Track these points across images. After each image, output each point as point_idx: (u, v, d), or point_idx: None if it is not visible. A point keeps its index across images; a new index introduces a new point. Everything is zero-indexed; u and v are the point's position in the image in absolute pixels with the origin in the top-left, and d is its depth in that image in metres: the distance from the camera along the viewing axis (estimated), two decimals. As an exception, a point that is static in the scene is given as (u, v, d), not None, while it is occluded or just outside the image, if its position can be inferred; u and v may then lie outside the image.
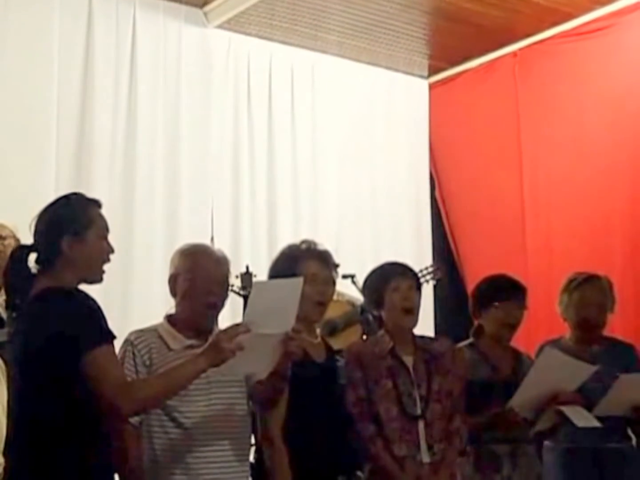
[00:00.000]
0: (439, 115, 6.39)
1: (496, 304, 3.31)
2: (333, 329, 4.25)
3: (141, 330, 2.70)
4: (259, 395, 2.68)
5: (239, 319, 2.34)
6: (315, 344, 2.93)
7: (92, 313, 2.23)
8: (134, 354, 2.60)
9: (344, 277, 3.95)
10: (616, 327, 4.62)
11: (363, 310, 3.95)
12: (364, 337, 3.88)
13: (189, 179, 5.25)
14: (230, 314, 4.12)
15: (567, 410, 3.12)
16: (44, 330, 2.19)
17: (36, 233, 2.37)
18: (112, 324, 2.27)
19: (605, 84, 5.34)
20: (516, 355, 3.39)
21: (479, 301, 3.40)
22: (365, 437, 2.92)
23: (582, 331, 3.65)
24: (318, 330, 3.08)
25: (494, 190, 5.96)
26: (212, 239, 4.94)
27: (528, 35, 5.69)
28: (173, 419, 2.57)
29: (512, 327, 3.34)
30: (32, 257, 2.36)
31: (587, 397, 3.20)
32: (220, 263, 2.74)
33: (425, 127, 6.41)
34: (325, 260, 2.93)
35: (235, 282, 4.14)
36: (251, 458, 2.84)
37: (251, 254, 5.25)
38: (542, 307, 3.78)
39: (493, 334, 3.34)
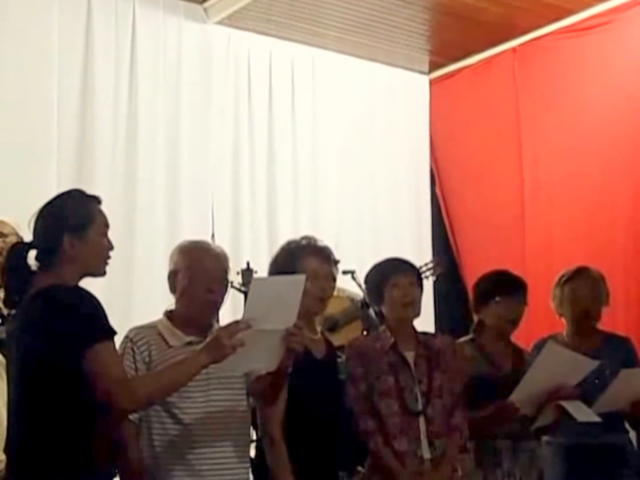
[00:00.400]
0: (439, 111, 6.39)
1: (497, 299, 3.31)
2: (334, 325, 4.25)
3: (141, 327, 2.71)
4: (258, 391, 2.68)
5: (240, 316, 2.34)
6: (316, 339, 2.94)
7: (93, 309, 2.23)
8: (133, 350, 2.60)
9: (344, 273, 3.95)
10: (619, 324, 4.63)
11: (363, 306, 3.95)
12: (365, 333, 3.89)
13: (189, 176, 5.24)
14: (231, 311, 4.13)
15: (568, 405, 3.12)
16: (45, 327, 2.19)
17: (36, 230, 2.36)
18: (114, 320, 2.27)
19: (604, 80, 5.33)
20: (517, 351, 3.39)
21: (480, 296, 3.40)
22: (366, 432, 2.92)
23: (577, 324, 3.65)
24: (318, 327, 3.08)
25: (494, 186, 5.96)
26: (212, 235, 4.94)
27: (528, 31, 5.68)
28: (172, 416, 2.57)
29: (513, 322, 3.34)
30: (32, 254, 2.35)
31: (585, 391, 3.20)
32: (219, 260, 2.74)
33: (426, 123, 6.41)
34: (325, 256, 2.93)
35: (236, 278, 4.14)
36: (252, 454, 2.84)
37: (251, 250, 5.25)
38: (541, 303, 3.78)
39: (494, 329, 3.34)
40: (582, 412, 3.13)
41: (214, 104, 5.40)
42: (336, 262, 2.98)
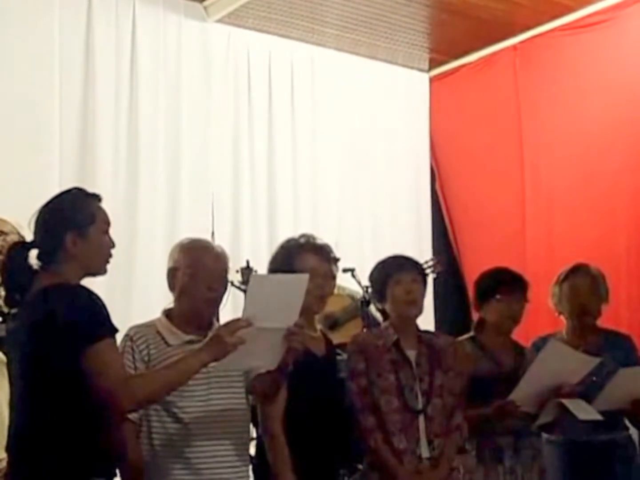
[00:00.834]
0: (439, 109, 6.38)
1: (497, 296, 3.32)
2: (334, 323, 4.25)
3: (140, 326, 2.70)
4: (258, 389, 2.68)
5: (240, 314, 2.34)
6: (315, 337, 2.94)
7: (95, 308, 2.22)
8: (132, 349, 2.60)
9: (344, 270, 3.95)
10: (622, 322, 4.63)
11: (363, 304, 3.95)
12: (365, 331, 3.88)
13: (189, 174, 5.25)
14: (231, 310, 4.12)
15: (569, 403, 3.12)
16: (47, 326, 2.18)
17: (37, 229, 2.36)
18: (114, 318, 2.27)
19: (605, 76, 5.33)
20: (518, 348, 3.39)
21: (481, 294, 3.40)
22: (366, 429, 2.92)
23: (577, 321, 3.64)
24: (318, 325, 3.08)
25: (494, 183, 5.96)
26: (212, 233, 4.94)
27: (528, 28, 5.68)
28: (172, 414, 2.57)
29: (514, 319, 3.35)
30: (33, 252, 2.35)
31: (586, 389, 3.20)
32: (220, 259, 2.74)
33: (426, 121, 6.41)
34: (324, 254, 2.93)
35: (236, 277, 4.14)
36: (252, 452, 2.84)
37: (251, 248, 5.25)
38: (542, 301, 3.78)
39: (495, 327, 3.35)
40: (583, 410, 3.13)
41: (214, 101, 5.40)
42: (336, 260, 2.98)
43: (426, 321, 4.48)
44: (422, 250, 5.88)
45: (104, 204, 2.43)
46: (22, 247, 2.39)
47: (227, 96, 5.49)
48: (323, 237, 3.02)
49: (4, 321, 3.06)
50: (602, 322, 3.70)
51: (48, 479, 2.19)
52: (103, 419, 2.25)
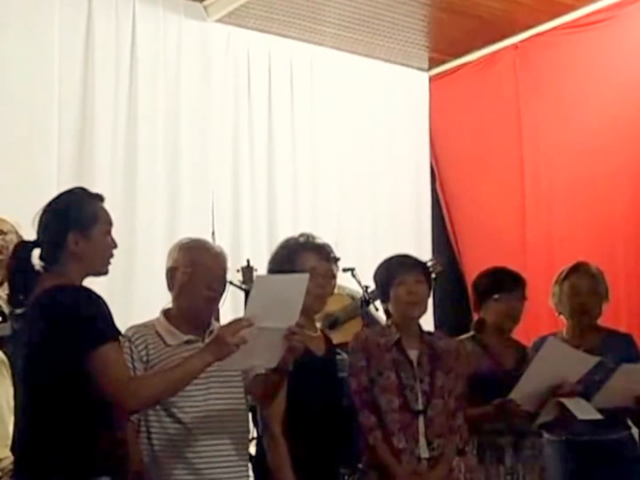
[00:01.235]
0: (439, 108, 6.38)
1: (496, 296, 3.32)
2: (334, 323, 4.25)
3: (138, 326, 2.71)
4: (257, 389, 2.68)
5: (240, 313, 2.33)
6: (315, 337, 2.93)
7: (98, 310, 2.22)
8: (131, 350, 2.61)
9: (344, 270, 3.95)
10: (622, 322, 4.63)
11: (363, 303, 3.95)
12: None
13: (189, 173, 5.25)
14: (231, 309, 4.12)
15: (568, 402, 3.12)
16: (51, 328, 2.19)
17: (40, 229, 2.35)
18: (114, 318, 2.27)
19: (606, 75, 5.33)
20: (518, 347, 3.39)
21: (479, 294, 3.40)
22: (366, 427, 2.91)
23: (577, 320, 3.63)
24: (318, 324, 3.08)
25: (494, 183, 5.95)
26: (212, 233, 4.94)
27: (529, 27, 5.68)
28: (171, 415, 2.57)
29: (513, 318, 3.34)
30: (35, 252, 2.35)
31: (586, 388, 3.20)
32: (219, 259, 2.74)
33: (426, 120, 6.40)
34: (323, 253, 2.92)
35: (236, 276, 4.14)
36: (252, 451, 2.84)
37: (251, 248, 5.25)
38: (541, 301, 3.77)
39: (494, 326, 3.34)
40: (582, 410, 3.13)
41: (214, 101, 5.40)
42: (336, 259, 2.97)
43: (426, 321, 4.48)
44: (422, 250, 5.87)
45: (104, 204, 2.43)
46: (26, 246, 2.38)
47: (226, 96, 5.49)
48: (323, 236, 3.02)
49: (4, 321, 3.06)
50: (601, 322, 3.70)
51: (53, 478, 2.19)
52: (107, 418, 2.25)
